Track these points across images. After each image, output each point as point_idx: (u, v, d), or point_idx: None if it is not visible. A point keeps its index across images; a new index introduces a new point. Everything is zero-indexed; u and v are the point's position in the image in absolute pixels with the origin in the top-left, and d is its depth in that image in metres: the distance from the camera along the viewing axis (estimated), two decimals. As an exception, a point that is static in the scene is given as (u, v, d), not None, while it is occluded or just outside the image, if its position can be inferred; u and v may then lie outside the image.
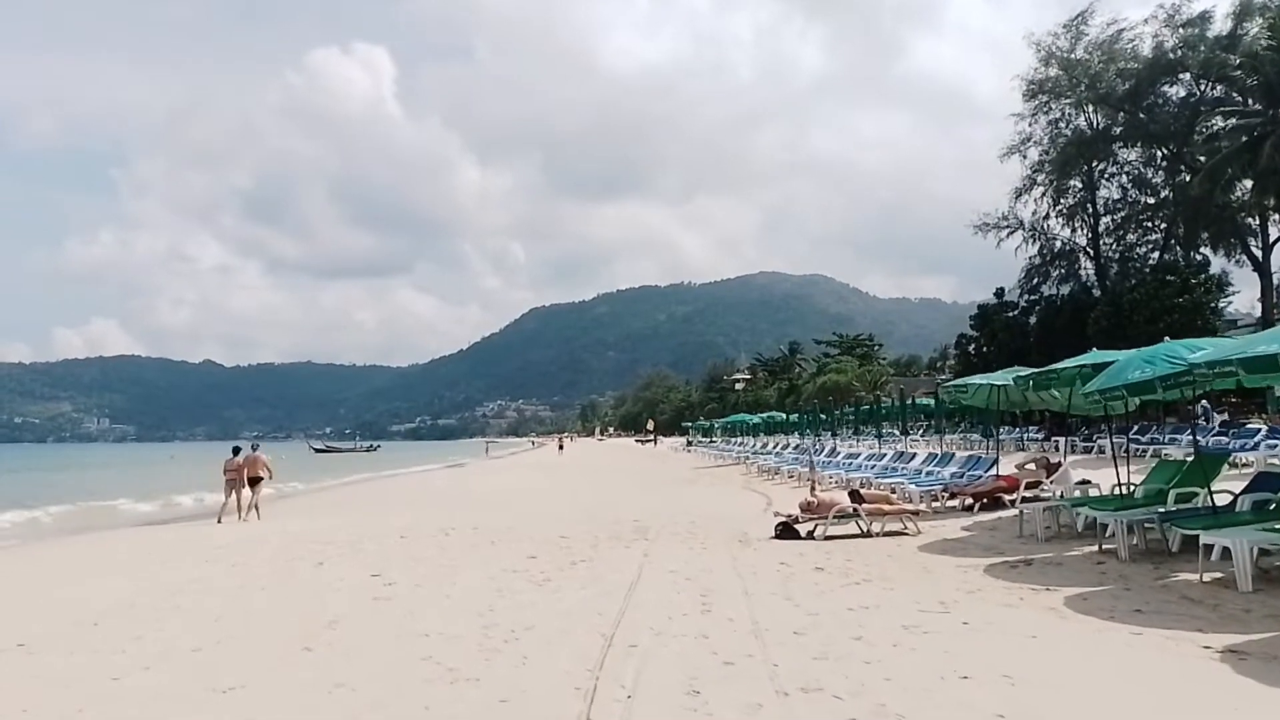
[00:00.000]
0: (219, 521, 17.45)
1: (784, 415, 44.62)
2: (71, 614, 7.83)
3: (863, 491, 13.78)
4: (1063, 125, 48.45)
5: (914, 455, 21.63)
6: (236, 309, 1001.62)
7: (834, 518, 12.66)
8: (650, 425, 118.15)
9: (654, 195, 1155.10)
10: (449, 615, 7.26)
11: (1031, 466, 15.29)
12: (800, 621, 6.89)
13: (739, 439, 53.83)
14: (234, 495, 18.16)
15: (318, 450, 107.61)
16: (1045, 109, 48.30)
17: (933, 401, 33.27)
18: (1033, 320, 55.42)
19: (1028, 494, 14.55)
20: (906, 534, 12.60)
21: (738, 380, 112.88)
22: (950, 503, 15.49)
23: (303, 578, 9.42)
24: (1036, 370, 13.98)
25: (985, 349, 58.72)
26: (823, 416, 42.63)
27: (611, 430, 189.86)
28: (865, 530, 12.74)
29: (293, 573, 9.81)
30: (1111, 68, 44.97)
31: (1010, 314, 58.77)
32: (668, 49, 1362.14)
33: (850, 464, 23.58)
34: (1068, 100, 47.81)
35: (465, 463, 62.29)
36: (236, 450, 19.14)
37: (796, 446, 35.92)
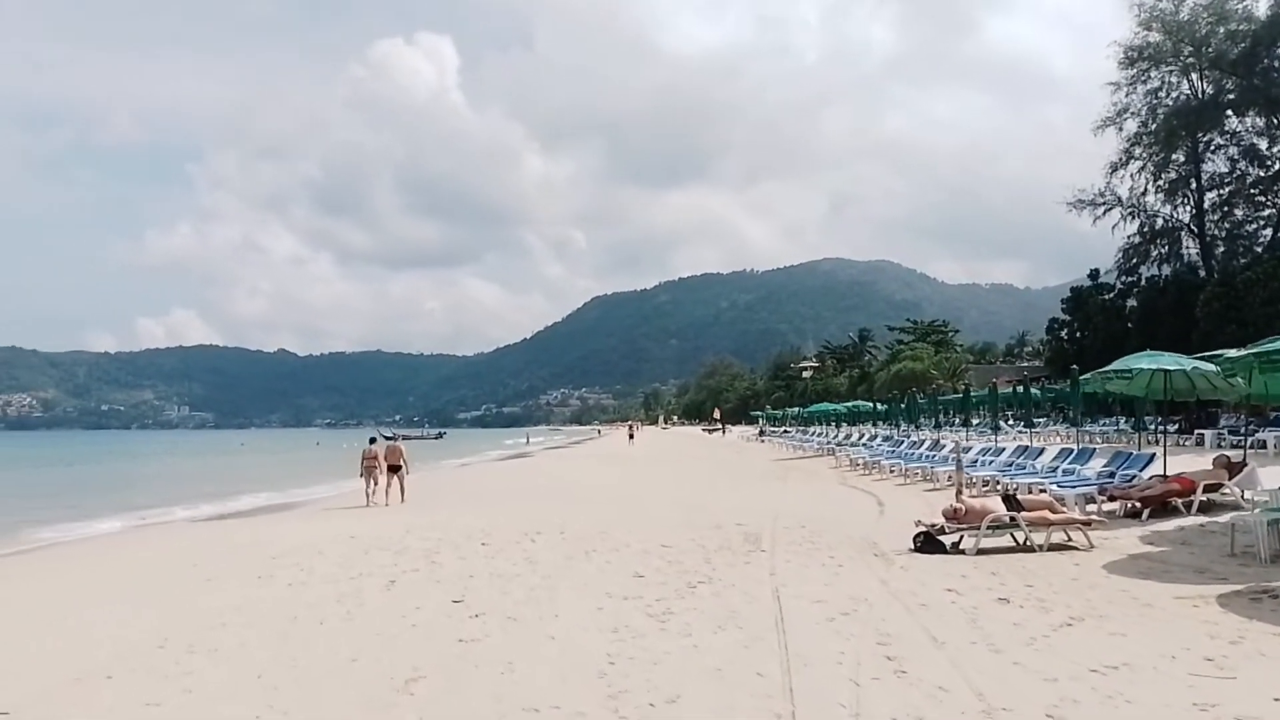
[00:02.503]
0: (368, 505, 18.77)
1: (871, 404, 42.15)
2: (85, 659, 6.33)
3: (1021, 497, 11.70)
4: (1164, 94, 44.98)
5: (1040, 450, 19.34)
6: (309, 299, 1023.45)
7: (988, 528, 10.70)
8: (717, 414, 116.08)
9: (717, 181, 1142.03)
10: (559, 672, 5.54)
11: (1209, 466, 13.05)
12: (1041, 693, 5.01)
13: (816, 428, 51.58)
14: (373, 481, 19.29)
15: (387, 438, 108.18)
16: (1144, 77, 44.89)
17: (1021, 390, 30.78)
18: (1131, 303, 52.01)
19: (1208, 498, 12.42)
20: (1076, 548, 10.58)
21: (805, 368, 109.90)
22: (1107, 507, 13.33)
23: (371, 606, 7.79)
24: (1233, 353, 11.69)
25: (1080, 334, 55.44)
26: (903, 405, 40.08)
27: (676, 419, 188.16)
28: (1024, 543, 10.75)
29: (359, 597, 8.21)
30: (1221, 29, 41.51)
31: (1106, 297, 55.30)
32: (731, 32, 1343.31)
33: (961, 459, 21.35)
34: (1170, 67, 44.39)
35: (532, 452, 61.25)
36: (373, 440, 20.80)
37: (886, 438, 33.65)
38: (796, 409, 69.54)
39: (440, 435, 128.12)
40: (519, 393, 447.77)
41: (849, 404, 46.24)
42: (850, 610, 7.33)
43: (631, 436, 63.61)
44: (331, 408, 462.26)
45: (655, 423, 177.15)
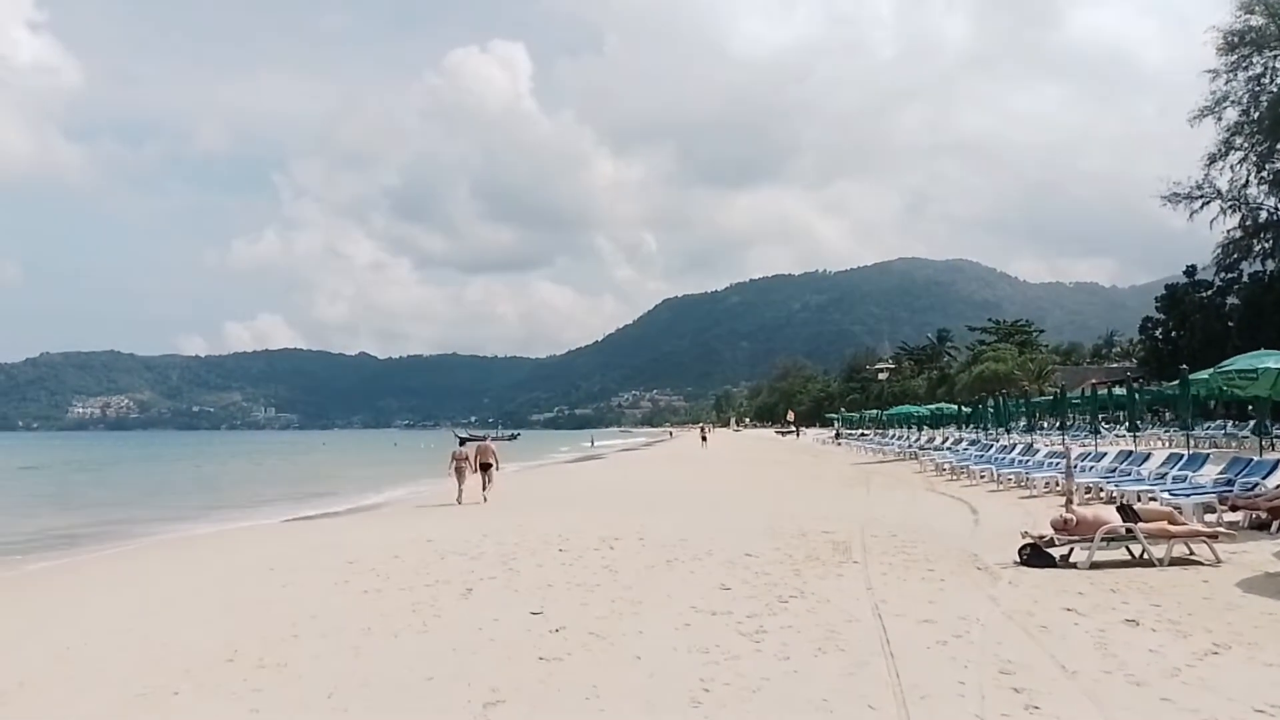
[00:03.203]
0: (458, 503, 19.23)
1: (955, 407, 40.71)
2: (154, 671, 6.10)
3: (1137, 507, 10.82)
4: (1267, 80, 42.56)
5: (1146, 456, 18.15)
6: (388, 303, 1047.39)
7: (1102, 540, 9.89)
8: (791, 416, 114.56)
9: (789, 181, 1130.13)
10: (648, 700, 5.08)
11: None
12: (1204, 740, 4.36)
13: (895, 431, 50.22)
14: (460, 479, 19.84)
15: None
16: (1246, 63, 42.56)
17: (1120, 392, 29.20)
18: (1232, 301, 49.27)
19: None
20: (1200, 563, 9.69)
21: (880, 370, 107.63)
22: (1229, 518, 12.29)
23: (448, 616, 7.46)
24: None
25: (1176, 334, 52.79)
26: (991, 408, 38.59)
27: (748, 421, 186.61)
28: (1140, 557, 9.90)
29: (436, 606, 7.89)
30: (1329, 12, 39.08)
31: (1204, 294, 52.52)
32: (801, 32, 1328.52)
33: (1060, 464, 20.24)
34: (1275, 51, 42.00)
35: (603, 454, 61.12)
36: (463, 440, 22.66)
37: (972, 442, 32.36)
38: (876, 411, 67.96)
39: (514, 436, 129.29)
40: (591, 395, 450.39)
41: (931, 406, 44.76)
42: (962, 632, 6.70)
43: (704, 439, 62.83)
44: (409, 409, 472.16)
45: (726, 425, 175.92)
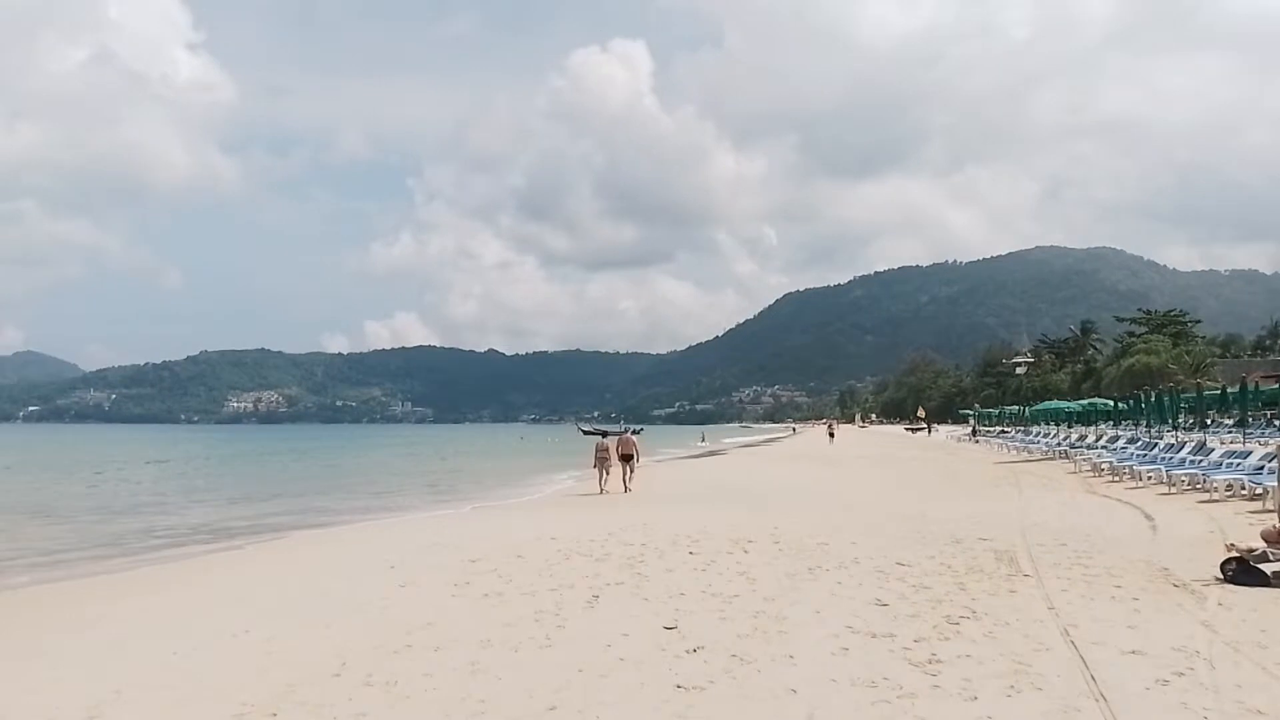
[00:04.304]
0: (601, 493, 20.30)
1: (1110, 402, 37.68)
2: (257, 686, 5.65)
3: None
4: None
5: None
6: (515, 301, 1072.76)
7: (1332, 557, 8.36)
8: (921, 413, 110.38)
9: (916, 169, 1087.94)
10: (812, 746, 4.22)
11: None
12: None
13: (1038, 428, 47.13)
14: (605, 471, 20.90)
15: (586, 432, 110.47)
16: None
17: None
18: None
19: None
20: None
21: (1019, 364, 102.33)
22: None
23: (572, 628, 6.78)
24: None
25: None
26: (1152, 403, 35.40)
27: (874, 417, 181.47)
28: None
29: (559, 615, 7.24)
30: None
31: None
32: (929, 16, 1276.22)
33: (1237, 465, 18.07)
34: None
35: (725, 450, 60.06)
36: (604, 434, 23.82)
37: (1131, 440, 29.71)
38: (1017, 407, 64.31)
39: (637, 432, 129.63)
40: (712, 390, 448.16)
41: (1083, 402, 41.65)
42: (1184, 669, 5.53)
43: (832, 435, 60.85)
44: (536, 404, 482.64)
45: (851, 420, 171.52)
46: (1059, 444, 35.22)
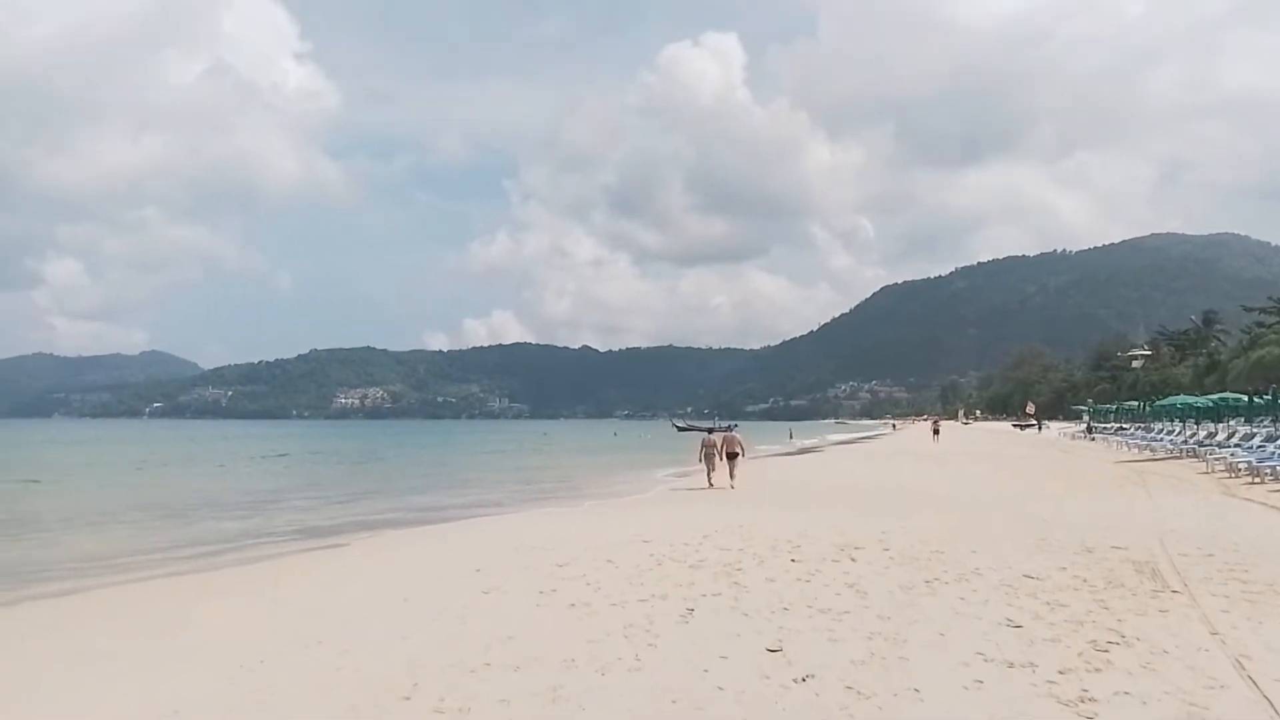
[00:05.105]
0: (709, 486, 21.05)
1: (1245, 397, 34.90)
2: (320, 707, 5.24)
3: None
4: None
5: None
6: (607, 297, 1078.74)
7: None
8: (1030, 408, 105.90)
9: (1023, 155, 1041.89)
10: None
11: None
12: None
13: (1162, 425, 44.18)
14: (711, 466, 21.51)
15: (680, 428, 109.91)
16: None
17: None
18: None
19: None
20: None
21: (1135, 356, 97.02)
22: None
23: (665, 647, 6.19)
24: None
25: None
26: (1277, 398, 32.49)
27: (978, 413, 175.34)
28: None
29: (651, 631, 6.66)
30: None
31: None
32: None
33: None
34: None
35: (820, 447, 58.54)
36: (710, 430, 23.63)
37: (1269, 437, 27.32)
38: (1136, 402, 60.65)
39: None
40: (806, 385, 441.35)
41: (1213, 396, 38.76)
42: None
43: (936, 431, 58.43)
44: (628, 400, 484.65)
45: (954, 416, 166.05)
46: (1186, 441, 32.85)
